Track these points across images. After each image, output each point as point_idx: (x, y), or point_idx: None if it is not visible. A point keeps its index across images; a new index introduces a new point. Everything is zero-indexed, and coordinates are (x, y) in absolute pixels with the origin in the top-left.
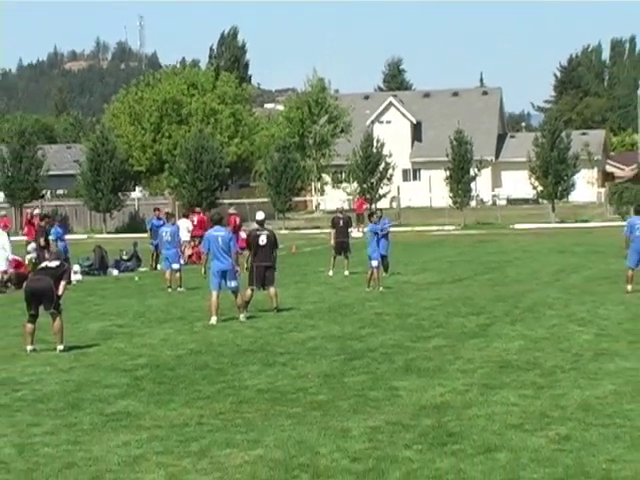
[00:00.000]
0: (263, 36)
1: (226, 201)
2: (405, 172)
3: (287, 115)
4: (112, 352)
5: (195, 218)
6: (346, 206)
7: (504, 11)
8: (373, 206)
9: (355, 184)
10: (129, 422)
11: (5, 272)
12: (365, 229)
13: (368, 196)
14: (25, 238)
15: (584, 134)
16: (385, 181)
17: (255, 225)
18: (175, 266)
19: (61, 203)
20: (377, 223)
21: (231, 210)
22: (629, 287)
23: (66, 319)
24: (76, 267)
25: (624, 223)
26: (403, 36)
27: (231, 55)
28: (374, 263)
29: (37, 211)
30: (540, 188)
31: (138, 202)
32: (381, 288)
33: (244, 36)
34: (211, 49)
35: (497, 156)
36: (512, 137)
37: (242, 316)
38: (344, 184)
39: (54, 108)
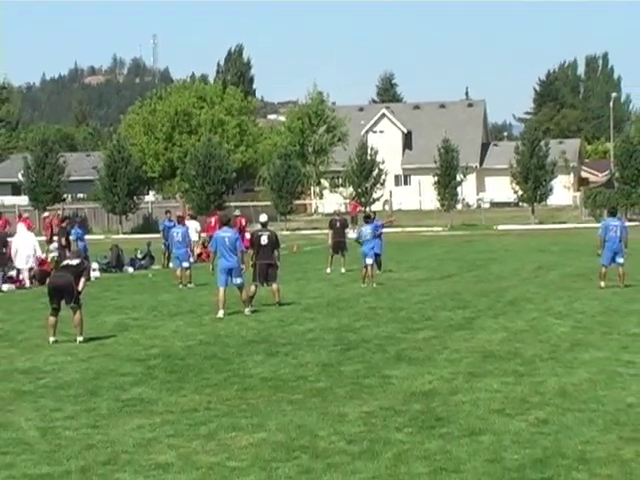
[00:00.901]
0: (266, 52)
1: (232, 204)
2: (397, 177)
3: (289, 125)
4: (127, 343)
5: (213, 219)
6: (343, 209)
7: (488, 30)
8: (367, 209)
9: (351, 189)
10: (143, 407)
11: (31, 269)
12: (363, 229)
13: (363, 199)
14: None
15: (561, 143)
16: (378, 186)
17: (259, 226)
18: (185, 264)
19: (81, 206)
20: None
21: (236, 212)
22: (602, 283)
23: (85, 312)
24: (95, 265)
25: (598, 225)
26: (395, 52)
27: (237, 70)
28: (369, 261)
29: (46, 214)
30: (521, 192)
31: (151, 205)
32: (375, 284)
33: (249, 53)
34: (218, 65)
35: (481, 163)
36: (495, 145)
37: (247, 310)
38: (341, 189)
39: (74, 119)
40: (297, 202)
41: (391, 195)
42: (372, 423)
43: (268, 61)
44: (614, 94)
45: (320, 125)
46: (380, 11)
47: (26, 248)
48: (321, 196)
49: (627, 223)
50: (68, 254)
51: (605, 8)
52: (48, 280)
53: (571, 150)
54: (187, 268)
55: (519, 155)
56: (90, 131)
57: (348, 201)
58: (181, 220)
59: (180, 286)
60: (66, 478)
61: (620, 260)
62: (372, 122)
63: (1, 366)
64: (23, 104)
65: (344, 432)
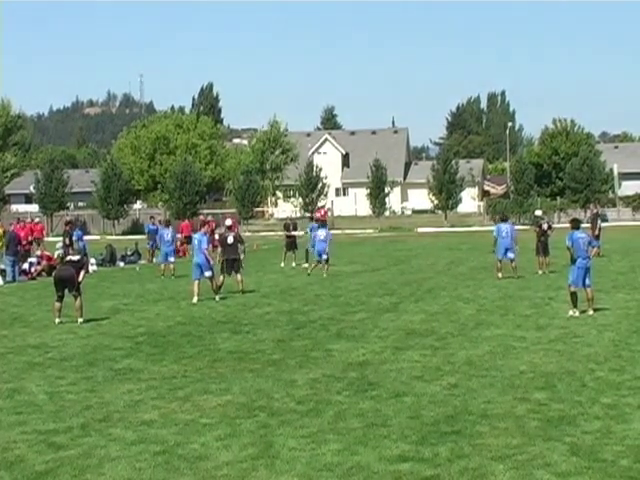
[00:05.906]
0: (232, 87)
1: (205, 211)
2: (337, 190)
3: (252, 147)
4: (119, 323)
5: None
6: (294, 215)
7: (410, 71)
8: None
9: (300, 199)
10: (132, 375)
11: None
12: (318, 232)
13: (310, 207)
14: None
15: (468, 162)
16: (322, 197)
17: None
18: (171, 259)
19: (81, 212)
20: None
21: (208, 218)
22: (500, 274)
23: (85, 299)
24: (92, 260)
25: None
26: (336, 88)
27: (208, 103)
28: (324, 257)
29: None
30: (436, 202)
31: (138, 212)
32: (325, 275)
33: (217, 89)
34: (193, 98)
35: (405, 178)
36: (416, 164)
37: (216, 297)
38: (292, 199)
39: (76, 142)
40: (257, 209)
41: (333, 204)
42: (317, 387)
43: (233, 95)
44: (510, 124)
45: (276, 148)
46: (323, 54)
47: None
48: (276, 205)
49: (520, 227)
50: (71, 251)
51: (503, 55)
52: (54, 273)
53: (476, 168)
54: (172, 262)
55: (435, 172)
56: (89, 152)
57: (297, 208)
58: (167, 224)
59: (162, 277)
60: (69, 433)
61: (511, 255)
62: (317, 145)
63: (16, 342)
64: (34, 130)
65: (294, 395)
